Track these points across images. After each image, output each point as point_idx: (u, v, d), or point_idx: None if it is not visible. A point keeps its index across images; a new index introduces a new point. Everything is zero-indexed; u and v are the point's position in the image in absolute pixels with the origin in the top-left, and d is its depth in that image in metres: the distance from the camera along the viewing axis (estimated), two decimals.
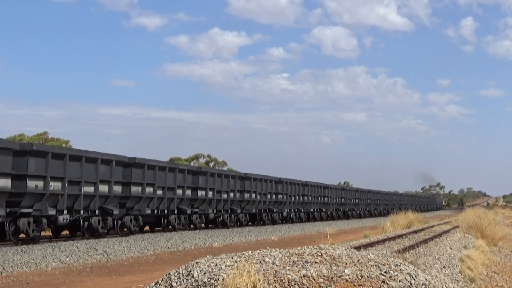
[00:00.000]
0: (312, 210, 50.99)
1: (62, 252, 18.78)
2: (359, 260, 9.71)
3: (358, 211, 63.32)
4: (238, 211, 36.75)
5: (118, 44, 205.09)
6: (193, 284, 8.87)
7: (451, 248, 22.58)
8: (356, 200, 63.25)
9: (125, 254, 19.68)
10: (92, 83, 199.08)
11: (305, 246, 10.84)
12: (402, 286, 8.77)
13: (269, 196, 41.66)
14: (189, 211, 31.28)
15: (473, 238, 28.99)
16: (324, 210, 54.12)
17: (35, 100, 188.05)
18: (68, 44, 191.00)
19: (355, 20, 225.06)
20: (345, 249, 11.00)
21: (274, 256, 9.96)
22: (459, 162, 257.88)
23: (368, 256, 10.10)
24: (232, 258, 9.95)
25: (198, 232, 29.89)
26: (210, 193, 33.52)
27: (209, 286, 8.65)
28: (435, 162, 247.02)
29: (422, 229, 35.06)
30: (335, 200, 57.22)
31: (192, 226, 32.28)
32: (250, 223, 39.51)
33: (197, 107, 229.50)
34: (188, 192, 31.65)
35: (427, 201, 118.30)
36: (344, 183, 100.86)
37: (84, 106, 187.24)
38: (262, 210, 40.74)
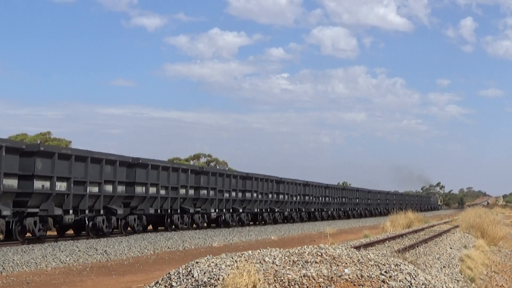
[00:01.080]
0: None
1: (62, 251, 18.78)
2: (359, 260, 9.71)
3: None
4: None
5: (118, 44, 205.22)
6: (193, 284, 8.87)
7: (451, 248, 22.58)
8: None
9: (125, 254, 19.68)
10: (92, 83, 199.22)
11: (305, 246, 10.84)
12: (402, 286, 8.77)
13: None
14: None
15: (473, 237, 28.99)
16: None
17: (36, 100, 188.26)
18: (68, 44, 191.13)
19: (355, 20, 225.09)
20: (345, 248, 11.00)
21: (274, 256, 9.96)
22: (459, 162, 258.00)
23: (368, 256, 10.10)
24: (232, 258, 9.95)
25: (198, 232, 29.90)
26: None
27: (209, 286, 8.65)
28: (435, 162, 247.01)
29: (422, 229, 35.06)
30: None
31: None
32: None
33: (197, 107, 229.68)
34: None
35: (419, 201, 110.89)
36: (343, 183, 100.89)
37: (84, 106, 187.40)
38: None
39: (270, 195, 42.08)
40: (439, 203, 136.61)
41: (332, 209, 56.22)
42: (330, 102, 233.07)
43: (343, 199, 59.85)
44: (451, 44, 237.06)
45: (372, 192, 71.33)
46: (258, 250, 10.57)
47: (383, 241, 24.46)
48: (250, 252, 10.39)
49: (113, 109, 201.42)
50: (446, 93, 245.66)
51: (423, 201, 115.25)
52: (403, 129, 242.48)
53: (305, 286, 8.53)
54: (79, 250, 19.27)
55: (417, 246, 22.48)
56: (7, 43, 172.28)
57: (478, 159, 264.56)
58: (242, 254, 10.19)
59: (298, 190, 47.35)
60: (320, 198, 52.77)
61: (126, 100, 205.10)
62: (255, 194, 39.52)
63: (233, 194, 36.80)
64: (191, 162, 63.00)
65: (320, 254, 10.02)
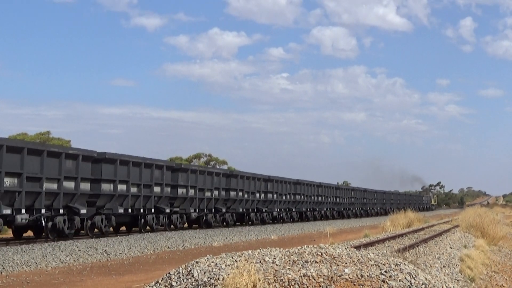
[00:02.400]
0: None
1: (62, 251, 18.77)
2: (359, 260, 9.70)
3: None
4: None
5: (118, 44, 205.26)
6: (193, 283, 8.87)
7: (451, 248, 22.57)
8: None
9: (125, 254, 19.68)
10: (92, 83, 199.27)
11: (305, 246, 10.84)
12: (402, 286, 8.77)
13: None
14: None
15: (473, 237, 28.99)
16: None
17: (36, 100, 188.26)
18: (68, 44, 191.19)
19: (354, 20, 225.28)
20: (345, 248, 11.00)
21: (274, 256, 9.96)
22: (459, 162, 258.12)
23: (368, 256, 10.09)
24: (232, 258, 9.95)
25: (198, 232, 29.89)
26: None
27: (209, 286, 8.65)
28: (435, 162, 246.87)
29: (422, 229, 35.05)
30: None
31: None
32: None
33: (197, 107, 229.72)
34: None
35: (408, 200, 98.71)
36: (343, 183, 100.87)
37: (85, 106, 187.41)
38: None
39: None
40: (432, 202, 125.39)
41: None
42: (330, 102, 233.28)
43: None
44: (451, 44, 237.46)
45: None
46: (258, 250, 10.56)
47: (383, 240, 24.45)
48: (250, 252, 10.39)
49: (113, 109, 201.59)
50: (445, 93, 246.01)
51: (413, 201, 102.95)
52: (403, 129, 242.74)
53: (305, 286, 8.53)
54: (79, 250, 19.27)
55: (417, 246, 22.46)
56: (7, 43, 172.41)
57: (478, 159, 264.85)
58: (242, 254, 10.19)
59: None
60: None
61: (126, 100, 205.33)
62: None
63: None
64: (192, 162, 63.05)
65: (320, 253, 10.02)
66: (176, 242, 23.96)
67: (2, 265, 15.41)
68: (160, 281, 9.45)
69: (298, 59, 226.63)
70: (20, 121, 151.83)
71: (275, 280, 8.68)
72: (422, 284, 9.06)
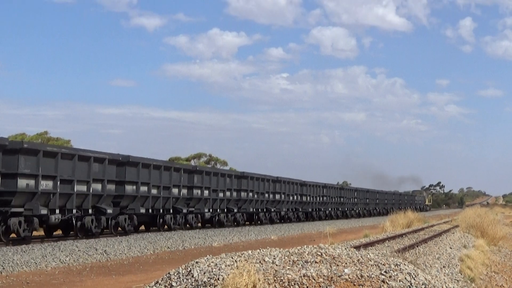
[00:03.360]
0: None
1: (62, 251, 18.77)
2: (359, 260, 9.70)
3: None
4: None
5: (118, 44, 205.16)
6: (193, 283, 8.87)
7: (451, 248, 22.58)
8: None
9: (125, 254, 19.67)
10: (92, 83, 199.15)
11: (305, 246, 10.84)
12: (402, 286, 8.77)
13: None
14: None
15: (473, 237, 28.99)
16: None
17: (35, 100, 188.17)
18: (68, 44, 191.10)
19: (354, 20, 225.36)
20: (345, 248, 11.00)
21: (274, 256, 9.96)
22: (459, 162, 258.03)
23: (368, 256, 10.09)
24: (232, 258, 9.95)
25: (198, 232, 29.90)
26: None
27: (209, 286, 8.65)
28: (435, 162, 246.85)
29: (422, 229, 35.06)
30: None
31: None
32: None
33: (196, 107, 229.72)
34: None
35: (397, 200, 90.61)
36: (343, 183, 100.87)
37: (84, 106, 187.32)
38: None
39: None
40: (427, 203, 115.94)
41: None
42: (330, 102, 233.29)
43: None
44: (450, 44, 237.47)
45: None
46: (258, 250, 10.57)
47: (383, 241, 24.45)
48: (250, 252, 10.39)
49: (113, 109, 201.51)
50: (445, 93, 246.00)
51: (403, 201, 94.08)
52: (402, 129, 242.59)
53: (305, 286, 8.53)
54: (79, 250, 19.27)
55: (417, 246, 22.47)
56: (7, 43, 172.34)
57: (478, 159, 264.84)
58: (242, 254, 10.19)
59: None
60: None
61: (126, 100, 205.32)
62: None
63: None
64: (192, 162, 63.04)
65: (320, 254, 10.02)
66: (176, 242, 23.96)
67: (2, 265, 15.41)
68: (160, 281, 9.45)
69: (298, 59, 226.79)
70: (19, 121, 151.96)
71: (275, 280, 8.68)
72: (422, 284, 9.06)
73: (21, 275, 14.59)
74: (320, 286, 8.55)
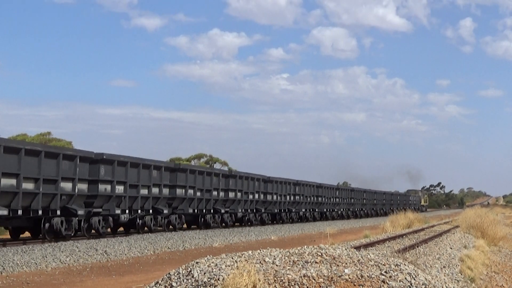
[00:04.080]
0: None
1: (62, 252, 18.77)
2: (359, 260, 9.71)
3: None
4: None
5: (118, 44, 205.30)
6: (193, 284, 8.87)
7: (451, 248, 22.58)
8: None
9: (125, 254, 19.68)
10: (92, 84, 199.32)
11: (305, 246, 10.84)
12: (402, 286, 8.77)
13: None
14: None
15: (473, 238, 28.99)
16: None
17: (36, 100, 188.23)
18: (68, 45, 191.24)
19: (354, 20, 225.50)
20: (345, 249, 11.00)
21: (274, 256, 9.96)
22: (459, 162, 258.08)
23: (368, 256, 10.10)
24: (232, 258, 9.95)
25: (198, 232, 29.92)
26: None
27: (209, 286, 8.65)
28: (435, 162, 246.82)
29: (422, 229, 35.06)
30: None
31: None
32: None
33: (197, 108, 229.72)
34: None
35: (388, 200, 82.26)
36: (343, 183, 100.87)
37: (84, 107, 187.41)
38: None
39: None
40: (422, 203, 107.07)
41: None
42: (330, 102, 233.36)
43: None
44: (451, 44, 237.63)
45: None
46: (258, 250, 10.57)
47: (383, 241, 24.46)
48: (250, 252, 10.39)
49: (113, 110, 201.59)
50: (445, 94, 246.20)
51: (395, 201, 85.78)
52: (403, 129, 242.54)
53: (305, 286, 8.53)
54: (79, 251, 19.27)
55: (417, 246, 22.47)
56: (7, 43, 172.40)
57: (478, 159, 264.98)
58: (242, 254, 10.19)
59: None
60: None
61: (126, 100, 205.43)
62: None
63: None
64: (192, 162, 63.06)
65: (320, 254, 10.02)
66: (176, 242, 23.96)
67: (2, 266, 15.42)
68: (160, 281, 9.45)
69: (298, 59, 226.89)
70: (20, 121, 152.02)
71: (275, 280, 8.68)
72: (422, 284, 9.06)
73: (21, 275, 14.59)
74: (320, 286, 8.55)
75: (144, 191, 28.05)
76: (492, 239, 28.68)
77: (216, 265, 9.52)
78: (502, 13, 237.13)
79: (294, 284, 8.57)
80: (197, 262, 9.80)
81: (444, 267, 16.54)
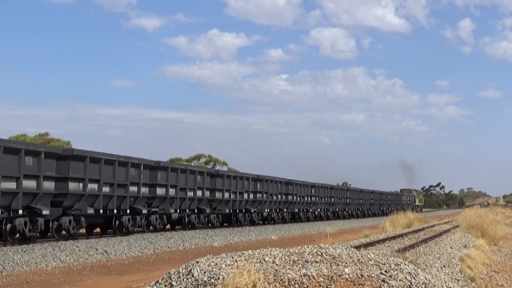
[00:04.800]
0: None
1: (62, 251, 18.78)
2: (359, 259, 9.71)
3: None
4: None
5: (118, 45, 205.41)
6: (193, 283, 8.87)
7: (451, 248, 22.59)
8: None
9: (125, 254, 19.68)
10: (91, 84, 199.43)
11: (305, 246, 10.85)
12: (402, 285, 8.77)
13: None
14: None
15: (473, 237, 29.01)
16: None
17: (35, 100, 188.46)
18: (67, 45, 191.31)
19: (353, 21, 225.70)
20: (345, 248, 11.00)
21: (274, 256, 9.96)
22: (459, 163, 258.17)
23: (368, 256, 10.10)
24: (232, 258, 9.95)
25: (198, 232, 29.91)
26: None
27: (209, 285, 8.65)
28: (435, 163, 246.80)
29: (422, 229, 35.08)
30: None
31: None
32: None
33: (196, 108, 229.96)
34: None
35: (378, 200, 74.86)
36: (343, 184, 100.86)
37: (84, 107, 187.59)
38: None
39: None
40: (417, 203, 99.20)
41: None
42: (330, 103, 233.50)
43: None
44: (450, 45, 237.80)
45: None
46: (258, 250, 10.57)
47: (383, 241, 24.46)
48: (250, 251, 10.39)
49: (113, 110, 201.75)
50: (445, 94, 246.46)
51: (386, 201, 79.22)
52: (402, 130, 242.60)
53: (305, 286, 8.54)
54: (79, 250, 19.27)
55: (417, 246, 22.48)
56: (7, 43, 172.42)
57: (478, 160, 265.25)
58: (242, 254, 10.20)
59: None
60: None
61: (126, 100, 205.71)
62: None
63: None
64: (192, 163, 63.08)
65: (320, 253, 10.02)
66: (176, 242, 23.97)
67: (2, 265, 15.41)
68: (160, 280, 9.46)
69: (297, 60, 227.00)
70: (19, 122, 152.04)
71: (275, 279, 8.68)
72: (422, 283, 9.06)
73: (21, 274, 14.60)
74: (320, 286, 8.56)
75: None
76: (492, 239, 28.70)
77: (216, 264, 9.53)
78: (501, 13, 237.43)
79: (294, 283, 8.57)
80: (197, 262, 9.80)
81: (444, 266, 16.54)
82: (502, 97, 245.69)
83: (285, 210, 45.16)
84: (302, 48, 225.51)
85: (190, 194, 31.93)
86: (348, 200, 62.43)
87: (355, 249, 11.04)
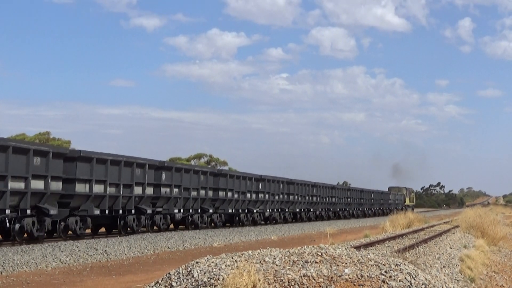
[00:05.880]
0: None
1: (62, 252, 18.78)
2: (359, 260, 9.71)
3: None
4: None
5: (118, 44, 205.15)
6: (193, 283, 8.87)
7: (451, 248, 22.59)
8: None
9: (125, 254, 19.68)
10: (91, 84, 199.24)
11: (305, 246, 10.85)
12: (402, 286, 8.77)
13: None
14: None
15: (473, 237, 29.00)
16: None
17: (35, 100, 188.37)
18: (67, 45, 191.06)
19: (353, 20, 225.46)
20: (345, 248, 11.01)
21: (274, 256, 9.96)
22: (459, 162, 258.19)
23: (368, 256, 10.10)
24: (232, 258, 9.96)
25: (198, 232, 29.90)
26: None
27: (209, 286, 8.65)
28: (435, 162, 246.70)
29: (422, 229, 35.08)
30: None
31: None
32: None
33: (196, 107, 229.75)
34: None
35: (356, 198, 63.10)
36: (343, 183, 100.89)
37: (84, 106, 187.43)
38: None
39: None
40: (407, 203, 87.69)
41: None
42: (329, 102, 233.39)
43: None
44: (449, 44, 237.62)
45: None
46: (258, 250, 10.57)
47: (383, 241, 24.46)
48: (250, 252, 10.40)
49: (113, 109, 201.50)
50: (445, 93, 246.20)
51: (367, 200, 67.81)
52: (402, 129, 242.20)
53: (305, 286, 8.54)
54: (79, 250, 19.27)
55: (417, 246, 22.47)
56: (7, 43, 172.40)
57: (478, 159, 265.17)
58: (242, 254, 10.20)
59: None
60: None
61: (126, 100, 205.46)
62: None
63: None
64: (192, 162, 63.11)
65: (320, 254, 10.02)
66: (176, 242, 23.97)
67: (2, 266, 15.42)
68: (160, 281, 9.46)
69: (297, 59, 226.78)
70: (19, 121, 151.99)
71: (275, 280, 8.69)
72: (422, 284, 9.06)
73: (21, 275, 14.60)
74: (320, 286, 8.56)
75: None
76: (492, 239, 28.70)
77: (216, 265, 9.53)
78: (501, 13, 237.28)
79: (294, 284, 8.57)
80: (197, 262, 9.80)
81: (444, 267, 16.54)
82: (502, 96, 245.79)
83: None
84: (302, 48, 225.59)
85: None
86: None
87: (355, 250, 11.04)
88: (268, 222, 41.86)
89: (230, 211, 36.08)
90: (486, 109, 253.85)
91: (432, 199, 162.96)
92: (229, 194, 35.79)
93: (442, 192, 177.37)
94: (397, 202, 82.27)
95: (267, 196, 41.05)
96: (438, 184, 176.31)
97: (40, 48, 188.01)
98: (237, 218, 37.46)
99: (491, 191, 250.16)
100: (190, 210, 31.83)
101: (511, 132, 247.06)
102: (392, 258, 10.48)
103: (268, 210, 41.48)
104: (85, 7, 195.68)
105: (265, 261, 9.65)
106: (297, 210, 47.41)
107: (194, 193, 31.97)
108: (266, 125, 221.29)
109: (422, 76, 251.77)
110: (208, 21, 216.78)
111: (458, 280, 14.86)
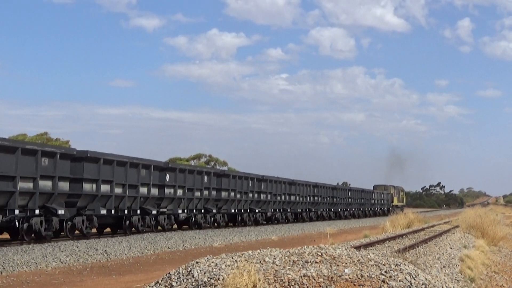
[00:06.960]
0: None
1: (62, 251, 18.78)
2: (359, 260, 9.71)
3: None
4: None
5: (117, 45, 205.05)
6: (193, 283, 8.87)
7: (451, 248, 22.59)
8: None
9: (125, 254, 19.68)
10: (91, 84, 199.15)
11: (305, 246, 10.84)
12: (402, 286, 8.77)
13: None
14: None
15: (473, 237, 29.00)
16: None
17: (35, 100, 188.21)
18: (67, 45, 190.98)
19: (352, 21, 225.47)
20: (345, 248, 11.01)
21: (274, 256, 9.96)
22: (459, 162, 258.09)
23: (368, 256, 10.10)
24: (232, 258, 9.96)
25: (198, 232, 29.90)
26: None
27: (209, 286, 8.65)
28: (435, 163, 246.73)
29: (422, 229, 35.08)
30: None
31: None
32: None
33: (196, 108, 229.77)
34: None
35: (329, 197, 54.40)
36: (343, 183, 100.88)
37: (84, 107, 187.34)
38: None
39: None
40: (395, 203, 78.88)
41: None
42: (329, 102, 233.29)
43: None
44: (449, 44, 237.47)
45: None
46: (258, 250, 10.57)
47: (383, 241, 24.46)
48: (250, 252, 10.40)
49: (113, 110, 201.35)
50: (444, 94, 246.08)
51: (344, 199, 59.15)
52: (402, 129, 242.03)
53: (305, 286, 8.54)
54: (79, 250, 19.27)
55: (417, 246, 22.48)
56: (7, 43, 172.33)
57: (477, 159, 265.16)
58: (242, 254, 10.20)
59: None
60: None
61: (126, 100, 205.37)
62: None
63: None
64: (192, 162, 63.11)
65: (320, 254, 10.02)
66: (176, 242, 23.97)
67: (2, 265, 15.42)
68: (160, 281, 9.46)
69: (297, 59, 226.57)
70: (19, 121, 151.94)
71: (275, 280, 8.69)
72: (422, 284, 9.06)
73: (21, 275, 14.60)
74: (320, 286, 8.56)
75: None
76: (492, 239, 28.70)
77: (216, 265, 9.53)
78: (500, 13, 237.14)
79: (294, 284, 8.57)
80: (197, 262, 9.81)
81: (444, 267, 16.54)
82: (502, 97, 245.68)
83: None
84: (302, 48, 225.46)
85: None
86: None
87: (355, 250, 11.04)
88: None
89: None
90: (485, 109, 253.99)
91: (432, 199, 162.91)
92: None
93: (442, 192, 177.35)
94: (382, 202, 74.00)
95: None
96: (438, 184, 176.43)
97: (40, 48, 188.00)
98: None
99: (491, 191, 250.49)
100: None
101: (511, 132, 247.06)
102: (392, 258, 10.48)
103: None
104: (85, 7, 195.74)
105: (265, 261, 9.65)
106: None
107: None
108: (266, 125, 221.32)
109: (421, 76, 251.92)
110: (207, 21, 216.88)
111: (458, 280, 14.87)
